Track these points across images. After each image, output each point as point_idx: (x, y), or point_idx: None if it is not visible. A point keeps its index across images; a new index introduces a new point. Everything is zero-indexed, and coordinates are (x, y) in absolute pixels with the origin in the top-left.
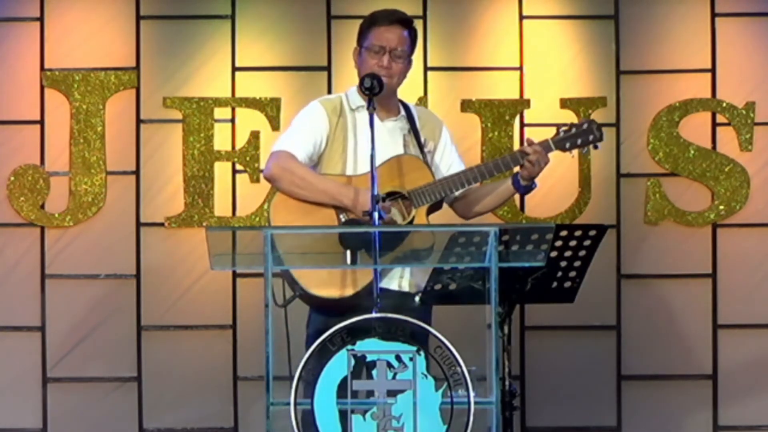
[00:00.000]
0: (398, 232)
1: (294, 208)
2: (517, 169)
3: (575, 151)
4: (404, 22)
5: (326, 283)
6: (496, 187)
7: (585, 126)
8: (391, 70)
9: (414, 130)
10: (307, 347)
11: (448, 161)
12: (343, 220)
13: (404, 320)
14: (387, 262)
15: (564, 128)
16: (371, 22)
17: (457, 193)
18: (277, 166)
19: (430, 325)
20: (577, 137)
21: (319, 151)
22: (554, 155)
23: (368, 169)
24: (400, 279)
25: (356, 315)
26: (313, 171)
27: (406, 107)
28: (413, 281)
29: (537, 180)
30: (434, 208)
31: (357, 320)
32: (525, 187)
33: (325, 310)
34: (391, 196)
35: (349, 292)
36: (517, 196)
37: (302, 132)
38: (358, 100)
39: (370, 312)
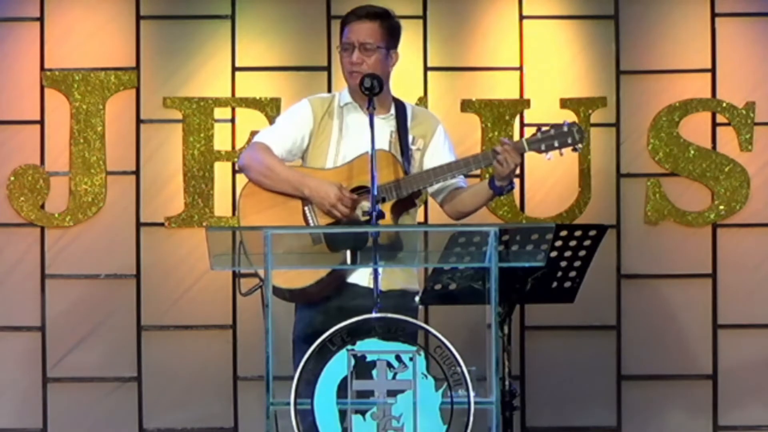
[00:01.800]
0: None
1: (262, 199)
2: None
3: (552, 154)
4: (373, 15)
5: (286, 273)
6: (474, 186)
7: (565, 128)
8: (362, 65)
9: (402, 128)
10: (294, 347)
11: (439, 160)
12: (307, 211)
13: (404, 320)
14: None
15: (543, 129)
16: (342, 23)
17: (431, 190)
18: (248, 156)
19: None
20: (554, 139)
21: (301, 147)
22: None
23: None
24: (370, 276)
25: (317, 305)
26: (282, 162)
27: (401, 106)
28: (387, 280)
29: (515, 181)
30: (406, 205)
31: (357, 320)
32: (499, 188)
33: (302, 306)
34: (359, 190)
35: (307, 282)
36: (516, 196)
37: (283, 127)
38: (347, 98)
39: (341, 308)
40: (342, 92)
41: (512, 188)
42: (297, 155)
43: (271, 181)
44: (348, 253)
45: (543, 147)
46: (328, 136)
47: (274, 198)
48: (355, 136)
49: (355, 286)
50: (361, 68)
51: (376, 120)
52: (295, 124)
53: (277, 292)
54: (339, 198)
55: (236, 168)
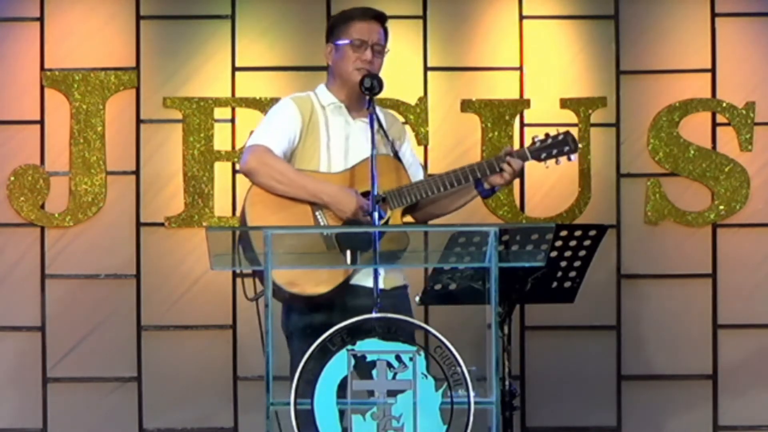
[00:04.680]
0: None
1: (270, 203)
2: None
3: (550, 162)
4: (381, 18)
5: (300, 280)
6: (457, 190)
7: (560, 137)
8: (373, 65)
9: (383, 129)
10: (289, 346)
11: (408, 162)
12: (318, 216)
13: (404, 320)
14: (363, 262)
15: (539, 138)
16: (349, 18)
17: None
18: (254, 160)
19: (411, 316)
20: (552, 148)
21: (292, 147)
22: None
23: (344, 167)
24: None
25: (330, 312)
26: (292, 167)
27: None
28: (389, 278)
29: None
30: (410, 209)
31: (357, 320)
32: (488, 191)
33: (300, 307)
34: (367, 196)
35: (322, 289)
36: (516, 196)
37: (277, 127)
38: (329, 98)
39: (345, 308)
40: (320, 91)
41: (497, 190)
42: (289, 156)
43: (284, 186)
44: (348, 254)
45: (543, 155)
46: (317, 138)
47: (281, 202)
48: (342, 140)
49: (362, 288)
50: (372, 67)
51: (361, 122)
52: (288, 124)
53: (295, 299)
54: (359, 205)
55: (238, 170)
